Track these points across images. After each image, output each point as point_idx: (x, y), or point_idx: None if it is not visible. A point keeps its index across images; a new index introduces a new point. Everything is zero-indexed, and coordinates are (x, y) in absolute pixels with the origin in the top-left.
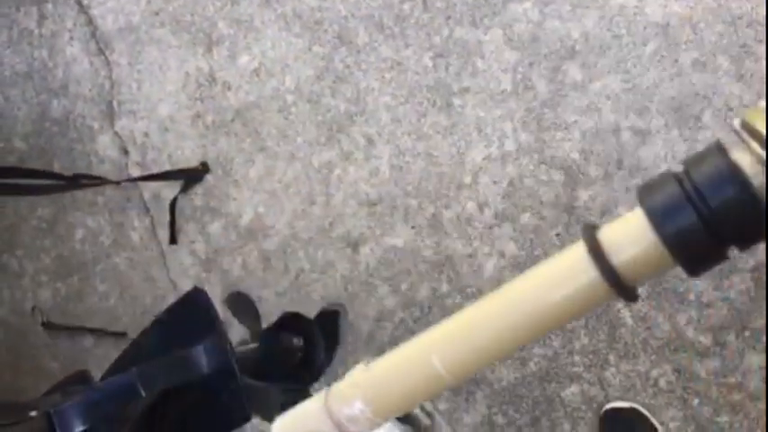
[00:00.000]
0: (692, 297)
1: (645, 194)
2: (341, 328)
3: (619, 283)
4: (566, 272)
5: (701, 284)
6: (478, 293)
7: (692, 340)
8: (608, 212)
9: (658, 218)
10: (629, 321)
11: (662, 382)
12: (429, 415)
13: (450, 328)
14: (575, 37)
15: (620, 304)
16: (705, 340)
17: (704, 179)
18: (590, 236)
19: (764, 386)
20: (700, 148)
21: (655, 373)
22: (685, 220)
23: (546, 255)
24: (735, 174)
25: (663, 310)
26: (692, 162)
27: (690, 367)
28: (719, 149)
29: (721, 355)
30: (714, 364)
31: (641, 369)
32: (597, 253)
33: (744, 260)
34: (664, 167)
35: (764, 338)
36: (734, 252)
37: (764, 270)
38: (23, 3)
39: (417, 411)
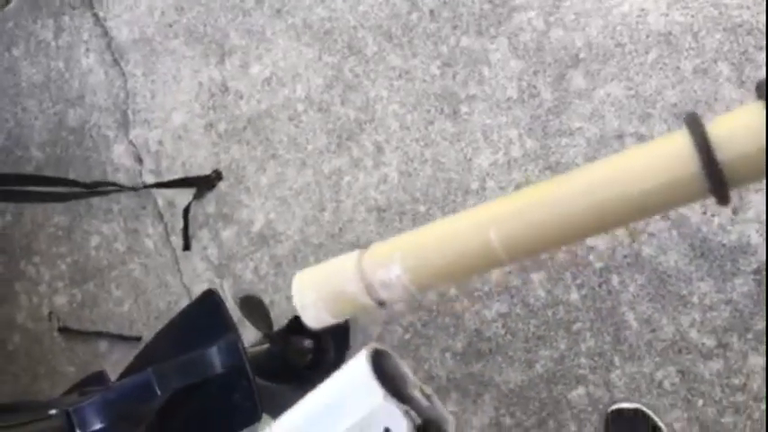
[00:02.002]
0: (695, 300)
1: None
2: (350, 330)
3: (719, 181)
4: (662, 161)
5: (704, 287)
6: (485, 297)
7: (695, 342)
8: None
9: None
10: (634, 324)
11: (666, 384)
12: (428, 397)
13: (516, 203)
14: (578, 45)
15: (624, 307)
16: (709, 342)
17: None
18: (696, 128)
19: (765, 386)
20: None
21: (659, 374)
22: None
23: (552, 259)
24: None
25: (666, 312)
26: None
27: (694, 369)
28: None
29: (725, 357)
30: (717, 366)
31: (646, 371)
32: (703, 146)
33: (747, 263)
34: None
35: (766, 339)
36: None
37: (765, 272)
38: (41, 15)
39: (417, 393)
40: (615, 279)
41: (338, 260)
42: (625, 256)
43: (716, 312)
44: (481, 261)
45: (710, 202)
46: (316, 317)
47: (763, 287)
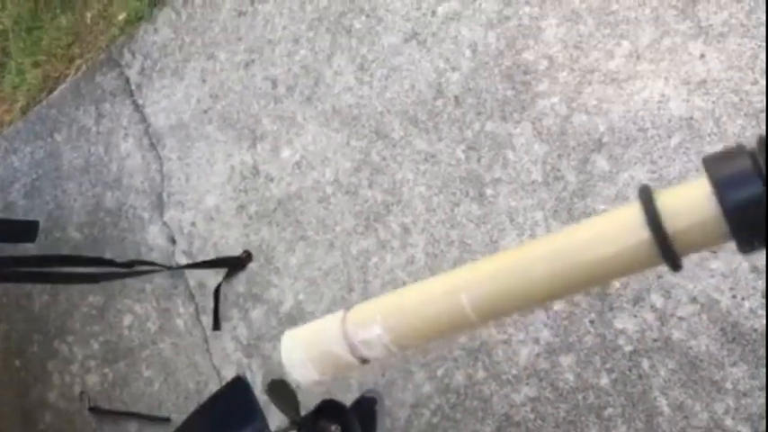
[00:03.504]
0: (728, 386)
1: (712, 164)
2: (377, 415)
3: (669, 251)
4: (616, 231)
5: (737, 373)
6: (514, 380)
7: (730, 430)
8: (640, 300)
9: (724, 187)
10: (667, 410)
11: None
12: None
13: (484, 269)
14: (601, 130)
15: (656, 392)
16: (744, 430)
17: None
18: (647, 199)
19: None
20: None
21: None
22: (752, 194)
23: (580, 342)
24: None
25: (700, 398)
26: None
27: None
28: None
29: None
30: None
31: None
32: (652, 217)
33: None
34: (694, 255)
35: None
36: None
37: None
38: (83, 103)
39: None
40: (645, 363)
41: (324, 320)
42: (655, 340)
43: (750, 399)
44: (454, 323)
45: (742, 286)
46: (303, 375)
47: None
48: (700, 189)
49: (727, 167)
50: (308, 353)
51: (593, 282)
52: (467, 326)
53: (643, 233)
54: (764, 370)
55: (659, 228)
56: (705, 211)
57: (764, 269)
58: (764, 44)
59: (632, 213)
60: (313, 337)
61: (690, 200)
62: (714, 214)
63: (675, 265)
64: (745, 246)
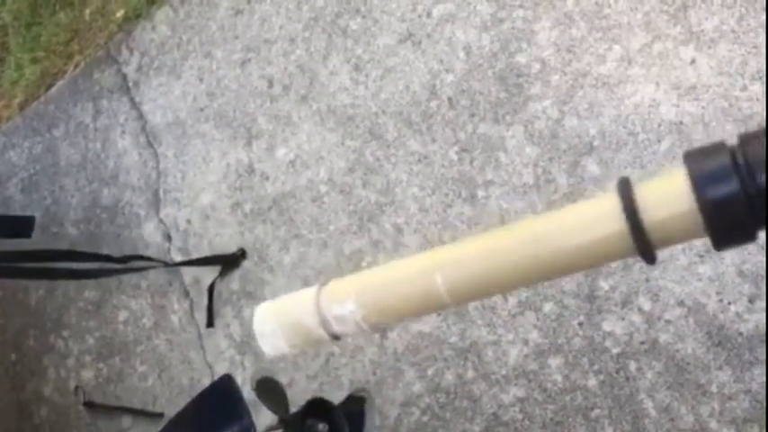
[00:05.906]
0: (713, 389)
1: (692, 159)
2: (366, 413)
3: (644, 242)
4: (592, 219)
5: (723, 376)
6: (503, 380)
7: None
8: (628, 302)
9: (701, 183)
10: (653, 412)
11: None
12: None
13: (461, 251)
14: (592, 134)
15: (643, 394)
16: None
17: (757, 157)
18: (625, 189)
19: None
20: None
21: None
22: (729, 191)
23: (569, 343)
24: None
25: (686, 401)
26: (748, 138)
27: None
28: None
29: None
30: None
31: None
32: (629, 207)
33: (765, 352)
34: (682, 259)
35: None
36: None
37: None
38: (81, 99)
39: None
40: (632, 366)
41: (299, 293)
42: (642, 343)
43: (735, 402)
44: (427, 303)
45: (728, 290)
46: (273, 345)
47: None
48: (678, 183)
49: (706, 164)
50: (280, 324)
51: (568, 269)
52: (440, 307)
53: (619, 223)
54: (750, 374)
55: (635, 219)
56: (682, 205)
57: (750, 274)
58: (754, 50)
59: (610, 203)
60: (286, 309)
61: (668, 193)
62: (690, 209)
63: (650, 258)
64: (719, 242)
